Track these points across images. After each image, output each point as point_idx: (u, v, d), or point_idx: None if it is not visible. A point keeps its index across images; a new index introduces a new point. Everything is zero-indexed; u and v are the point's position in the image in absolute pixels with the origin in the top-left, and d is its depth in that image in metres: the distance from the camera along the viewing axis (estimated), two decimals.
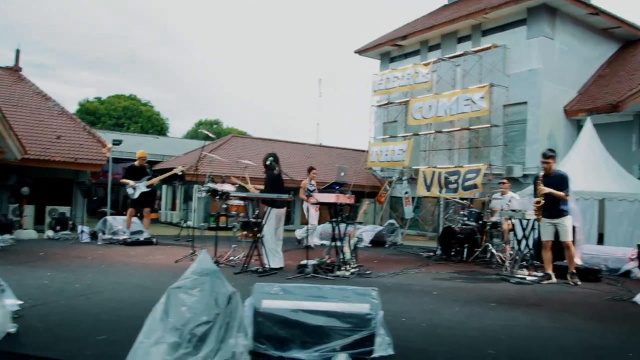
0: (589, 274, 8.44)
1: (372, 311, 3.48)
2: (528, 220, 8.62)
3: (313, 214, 12.22)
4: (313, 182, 12.17)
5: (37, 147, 14.71)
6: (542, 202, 7.95)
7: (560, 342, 4.44)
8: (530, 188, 14.54)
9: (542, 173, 8.18)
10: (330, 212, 8.16)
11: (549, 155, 8.19)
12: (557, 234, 8.18)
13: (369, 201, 19.53)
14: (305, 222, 13.66)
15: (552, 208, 8.04)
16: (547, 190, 7.93)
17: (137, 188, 11.45)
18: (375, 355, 3.42)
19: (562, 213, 8.12)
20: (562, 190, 8.00)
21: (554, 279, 8.04)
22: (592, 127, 14.47)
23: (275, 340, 3.43)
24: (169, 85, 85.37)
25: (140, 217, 11.94)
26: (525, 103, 18.66)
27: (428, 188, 19.45)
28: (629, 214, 12.78)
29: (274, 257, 8.09)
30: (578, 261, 9.09)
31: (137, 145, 15.87)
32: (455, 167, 18.90)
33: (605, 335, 4.76)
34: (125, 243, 11.05)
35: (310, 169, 12.47)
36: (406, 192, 21.04)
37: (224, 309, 3.24)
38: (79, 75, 78.01)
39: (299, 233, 13.32)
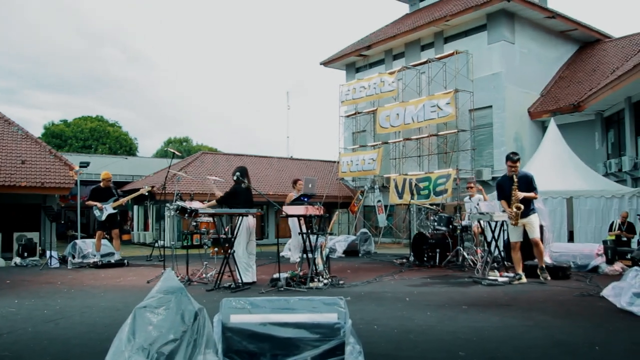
0: (558, 271, 8.59)
1: (340, 320, 3.48)
2: (496, 222, 8.75)
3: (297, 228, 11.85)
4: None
5: (2, 173, 14.47)
6: (522, 208, 8.08)
7: (530, 340, 4.51)
8: None
9: (514, 177, 8.17)
10: (300, 224, 8.17)
11: (516, 159, 8.31)
12: (525, 233, 8.32)
13: (339, 212, 19.57)
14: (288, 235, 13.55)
15: (523, 210, 8.18)
16: (523, 194, 8.09)
17: (104, 210, 11.30)
18: None
19: (530, 212, 8.30)
20: (531, 191, 8.21)
21: (524, 279, 8.16)
22: (556, 128, 14.80)
23: (245, 355, 3.41)
24: (137, 105, 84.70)
25: (110, 239, 11.78)
26: (490, 107, 19.02)
27: (400, 195, 19.63)
28: (597, 210, 13.08)
29: (247, 272, 8.06)
30: (547, 259, 9.27)
31: (105, 167, 15.70)
32: (426, 173, 19.15)
33: (573, 331, 4.84)
34: (96, 266, 10.88)
35: (296, 181, 11.84)
36: (379, 201, 21.18)
37: (190, 326, 3.21)
38: (44, 97, 76.92)
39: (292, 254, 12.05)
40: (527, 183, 8.21)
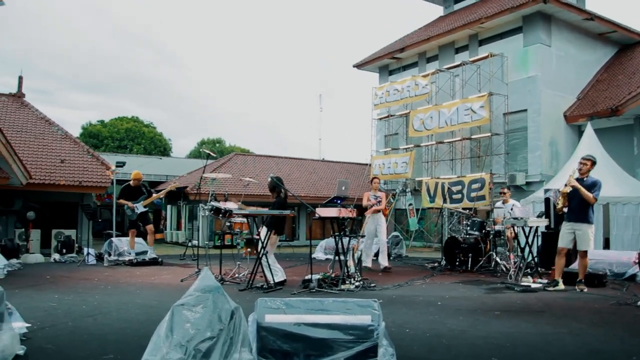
0: (593, 279, 8.45)
1: (374, 322, 3.51)
2: (530, 227, 8.64)
3: (371, 232, 11.00)
4: (379, 193, 11.22)
5: (42, 171, 14.86)
6: (568, 191, 7.85)
7: (564, 347, 4.47)
8: (535, 195, 14.61)
9: (578, 174, 8.05)
10: (333, 226, 8.21)
11: (588, 158, 8.15)
12: (574, 243, 8.10)
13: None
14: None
15: (577, 210, 7.95)
16: (575, 183, 7.85)
17: (135, 208, 11.53)
18: None
19: (585, 219, 7.96)
20: (592, 193, 7.85)
21: (561, 286, 8.01)
22: (593, 132, 14.52)
23: (279, 354, 3.46)
24: (171, 106, 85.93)
25: (143, 236, 12.01)
26: (525, 110, 18.75)
27: (432, 199, 19.51)
28: (634, 217, 12.79)
29: (276, 272, 8.13)
30: None
31: (140, 167, 15.96)
32: (458, 177, 18.98)
33: (608, 339, 4.77)
34: (131, 264, 11.12)
35: (373, 179, 11.52)
36: (410, 204, 21.09)
37: (227, 325, 3.29)
38: (81, 98, 78.64)
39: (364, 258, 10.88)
40: (589, 186, 7.88)
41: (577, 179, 7.99)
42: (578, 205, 7.93)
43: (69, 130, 17.73)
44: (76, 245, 13.76)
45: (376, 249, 11.36)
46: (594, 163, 8.18)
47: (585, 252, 8.03)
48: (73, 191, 15.63)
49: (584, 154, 13.94)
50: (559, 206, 8.02)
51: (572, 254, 8.91)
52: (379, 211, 10.98)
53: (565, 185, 7.96)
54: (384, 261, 10.82)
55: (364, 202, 11.05)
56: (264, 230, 8.02)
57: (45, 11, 79.95)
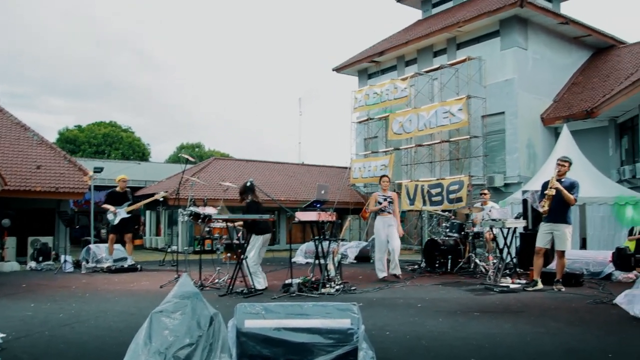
0: (571, 278, 8.55)
1: (353, 326, 3.51)
2: (509, 229, 8.73)
3: (381, 235, 9.79)
4: (389, 193, 9.97)
5: (18, 178, 14.63)
6: (553, 193, 7.92)
7: (542, 346, 4.51)
8: (513, 196, 14.77)
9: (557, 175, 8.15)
10: (313, 230, 8.21)
11: (565, 159, 8.26)
12: (552, 243, 8.20)
13: (350, 218, 19.59)
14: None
15: (556, 212, 8.03)
16: (558, 185, 7.93)
17: (117, 214, 11.40)
18: None
19: (564, 220, 8.08)
20: (572, 194, 7.95)
21: (540, 285, 8.10)
22: (569, 134, 14.73)
23: None
24: (150, 110, 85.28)
25: (123, 244, 11.87)
26: (502, 113, 18.97)
27: (411, 202, 19.62)
28: (610, 217, 12.99)
29: (258, 278, 8.10)
30: None
31: (119, 172, 15.81)
32: (438, 179, 19.11)
33: (585, 338, 4.84)
34: (109, 270, 10.97)
35: (382, 178, 10.20)
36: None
37: (206, 331, 3.27)
38: (58, 103, 77.70)
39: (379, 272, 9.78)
40: (568, 187, 7.99)
41: (557, 181, 8.10)
42: (557, 206, 8.03)
43: (45, 136, 17.48)
44: (53, 252, 13.55)
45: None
46: (570, 164, 8.32)
47: (563, 252, 8.15)
48: (49, 197, 15.42)
49: (561, 155, 14.22)
50: (544, 209, 8.11)
51: (550, 254, 9.02)
52: (381, 211, 9.75)
53: (549, 187, 8.04)
54: (396, 269, 9.63)
55: (371, 207, 9.95)
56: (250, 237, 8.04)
57: (23, 15, 78.89)
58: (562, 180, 8.10)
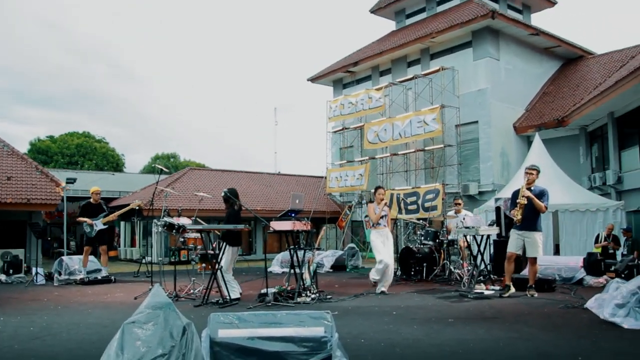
0: (543, 284, 8.69)
1: (327, 334, 3.52)
2: (482, 236, 8.84)
3: (379, 247, 9.12)
4: (386, 208, 9.38)
5: None
6: (525, 202, 8.05)
7: (515, 351, 4.57)
8: (487, 204, 14.95)
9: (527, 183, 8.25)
10: (288, 239, 8.21)
11: (533, 169, 8.39)
12: (524, 249, 8.31)
13: (327, 227, 19.64)
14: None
15: (527, 219, 8.15)
16: (529, 194, 8.05)
17: (94, 226, 11.26)
18: None
19: (535, 227, 8.23)
20: (542, 202, 8.09)
21: (512, 290, 8.20)
22: (541, 142, 15.01)
23: None
24: (124, 121, 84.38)
25: (98, 256, 11.71)
26: (476, 122, 19.21)
27: None
28: (581, 224, 13.24)
29: (232, 288, 8.07)
30: None
31: (92, 183, 15.59)
32: (413, 188, 19.24)
33: (557, 342, 4.91)
34: (82, 282, 10.82)
35: (377, 189, 9.52)
36: (366, 216, 21.20)
37: (179, 341, 3.24)
38: (30, 113, 76.38)
39: (373, 274, 9.34)
40: (538, 195, 8.12)
41: (527, 189, 8.22)
42: (528, 214, 8.16)
43: (16, 146, 17.20)
44: (24, 265, 13.31)
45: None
46: (539, 172, 8.47)
47: (535, 259, 8.27)
48: (21, 209, 15.16)
49: (530, 164, 14.47)
50: (517, 218, 8.22)
51: (523, 260, 9.14)
52: (377, 224, 9.23)
53: (521, 196, 8.15)
54: (383, 285, 8.96)
55: (373, 218, 9.21)
56: (224, 247, 8.00)
57: None
58: (532, 188, 8.23)
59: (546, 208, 8.19)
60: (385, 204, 9.44)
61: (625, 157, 16.20)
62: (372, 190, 9.82)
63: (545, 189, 8.32)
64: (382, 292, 8.81)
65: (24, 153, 19.00)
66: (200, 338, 3.51)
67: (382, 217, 9.18)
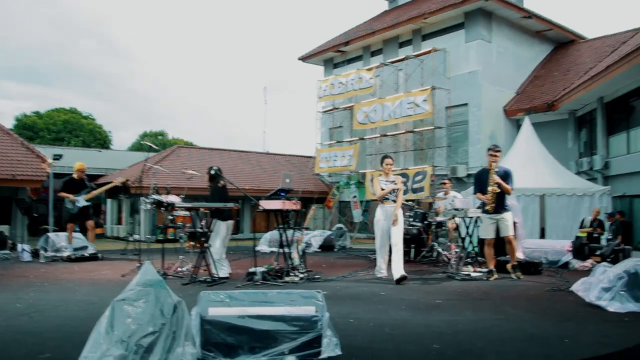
0: (530, 267, 8.77)
1: (317, 313, 3.53)
2: (471, 218, 8.87)
3: (377, 233, 8.36)
4: (393, 177, 8.44)
5: None
6: (498, 190, 8.12)
7: (502, 333, 4.61)
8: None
9: (491, 167, 8.27)
10: (277, 218, 8.19)
11: (498, 150, 8.40)
12: (498, 231, 8.41)
13: (315, 207, 19.66)
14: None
15: (497, 203, 8.23)
16: (499, 180, 8.11)
17: (76, 202, 11.16)
18: (322, 356, 3.49)
19: (504, 208, 8.36)
20: (508, 185, 8.22)
21: (496, 275, 8.26)
22: (531, 126, 15.05)
23: (223, 347, 3.43)
24: (112, 97, 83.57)
25: (84, 232, 11.63)
26: (466, 104, 19.21)
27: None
28: (568, 208, 13.34)
29: (222, 267, 8.06)
30: (520, 255, 9.42)
31: (79, 159, 15.43)
32: (402, 169, 19.26)
33: (544, 324, 4.96)
34: (69, 259, 10.75)
35: (384, 159, 8.53)
36: (354, 196, 21.28)
37: (169, 319, 3.23)
38: (16, 88, 75.35)
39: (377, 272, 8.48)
40: (503, 177, 8.23)
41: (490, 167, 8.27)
42: (497, 198, 8.23)
43: (1, 122, 16.99)
44: (10, 241, 13.18)
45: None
46: (500, 152, 8.51)
47: (512, 236, 8.36)
48: (6, 185, 14.99)
49: (523, 147, 14.52)
50: (491, 205, 8.25)
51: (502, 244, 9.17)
52: (385, 199, 8.23)
53: (492, 184, 8.15)
54: (397, 271, 7.76)
55: (378, 193, 8.27)
56: (213, 222, 7.99)
57: None
58: (497, 170, 8.25)
59: (512, 190, 8.32)
60: (395, 176, 8.46)
61: (613, 142, 16.31)
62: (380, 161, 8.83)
63: (509, 169, 8.45)
64: (402, 277, 7.65)
65: (10, 129, 18.76)
66: (191, 316, 3.51)
67: (391, 192, 8.17)
